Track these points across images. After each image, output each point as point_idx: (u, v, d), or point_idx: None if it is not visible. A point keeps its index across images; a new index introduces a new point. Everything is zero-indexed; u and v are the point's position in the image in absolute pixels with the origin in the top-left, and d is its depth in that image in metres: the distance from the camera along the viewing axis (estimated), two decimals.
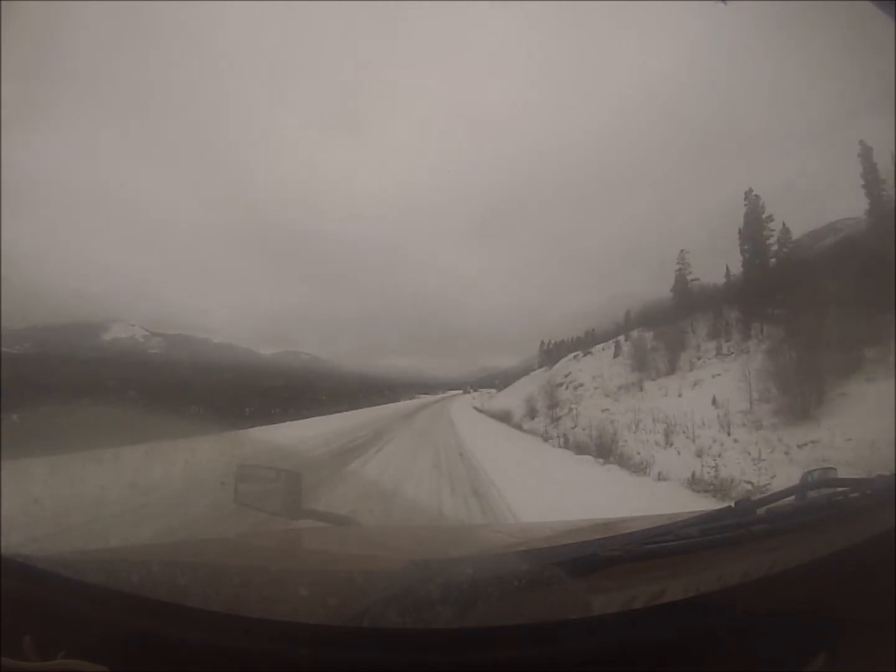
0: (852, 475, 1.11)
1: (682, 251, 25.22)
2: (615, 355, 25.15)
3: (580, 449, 10.66)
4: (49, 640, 0.60)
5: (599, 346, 28.58)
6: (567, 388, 24.71)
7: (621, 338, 26.30)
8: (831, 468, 1.22)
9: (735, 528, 0.78)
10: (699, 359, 19.76)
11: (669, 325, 22.23)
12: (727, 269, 21.93)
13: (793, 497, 0.97)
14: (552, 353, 34.41)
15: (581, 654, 0.58)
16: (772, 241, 19.81)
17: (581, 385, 24.20)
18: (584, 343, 31.22)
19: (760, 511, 0.86)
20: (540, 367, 34.18)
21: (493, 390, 40.33)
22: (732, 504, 0.88)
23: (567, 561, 0.66)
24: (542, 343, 36.36)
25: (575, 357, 30.01)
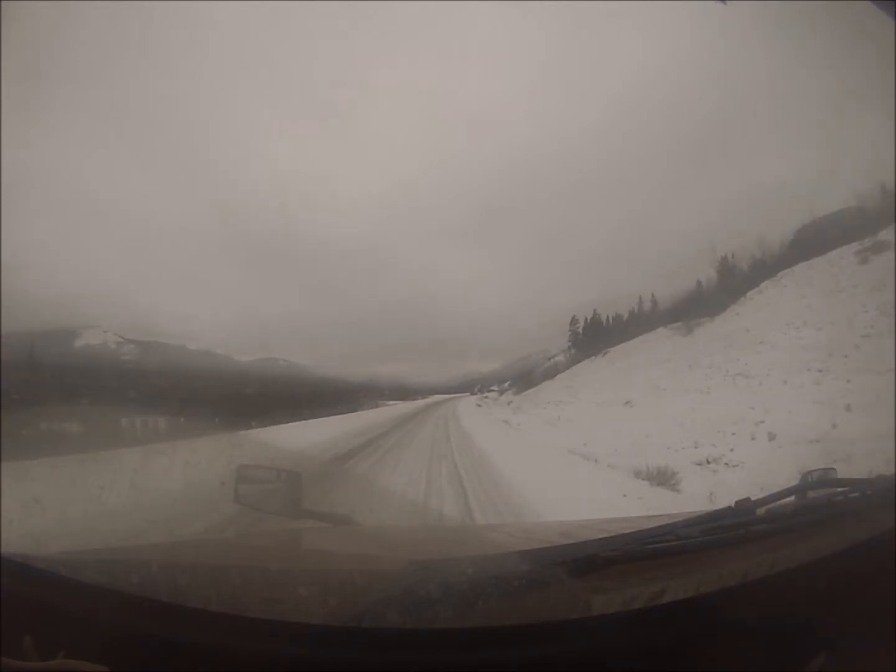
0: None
1: None
2: None
3: None
4: (49, 640, 0.60)
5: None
6: None
7: None
8: (831, 468, 1.23)
9: (735, 528, 0.78)
10: None
11: None
12: None
13: (793, 497, 0.98)
14: (588, 333, 27.16)
15: (581, 654, 0.58)
16: None
17: None
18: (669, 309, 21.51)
19: (760, 511, 0.85)
20: (578, 351, 25.05)
21: (496, 393, 33.09)
22: (732, 504, 0.88)
23: (567, 561, 0.65)
24: (574, 319, 28.52)
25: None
